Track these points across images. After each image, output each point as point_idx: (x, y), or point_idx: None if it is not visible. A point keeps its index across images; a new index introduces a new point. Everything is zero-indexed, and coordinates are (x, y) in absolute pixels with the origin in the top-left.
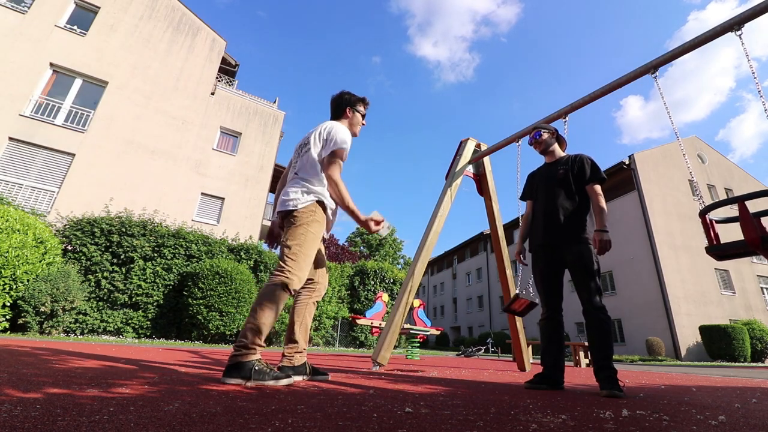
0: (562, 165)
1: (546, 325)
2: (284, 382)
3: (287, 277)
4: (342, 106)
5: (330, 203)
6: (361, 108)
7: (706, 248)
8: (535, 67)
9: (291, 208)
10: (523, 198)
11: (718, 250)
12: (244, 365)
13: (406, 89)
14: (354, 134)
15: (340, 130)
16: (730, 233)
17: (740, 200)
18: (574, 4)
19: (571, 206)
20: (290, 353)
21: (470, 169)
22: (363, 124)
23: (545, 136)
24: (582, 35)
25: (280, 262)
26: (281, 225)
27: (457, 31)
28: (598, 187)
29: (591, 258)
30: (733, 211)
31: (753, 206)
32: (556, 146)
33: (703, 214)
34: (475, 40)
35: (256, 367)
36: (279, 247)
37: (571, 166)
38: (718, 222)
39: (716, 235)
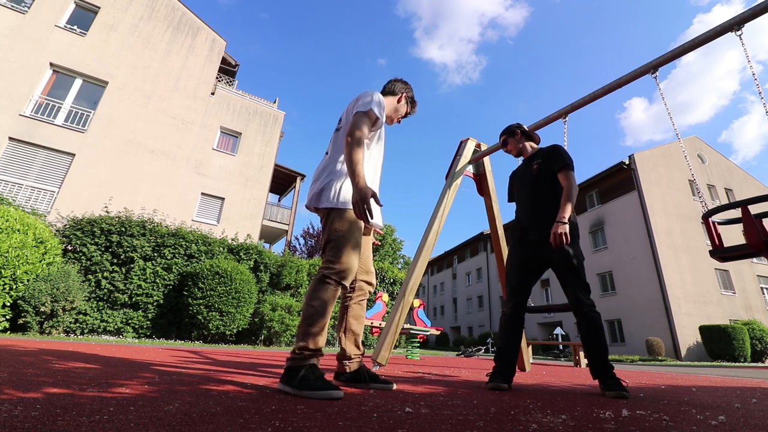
0: (535, 160)
1: (509, 321)
2: (320, 395)
3: (326, 266)
4: (394, 90)
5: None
6: (411, 105)
7: (710, 251)
8: (540, 68)
9: (325, 206)
10: (510, 200)
11: (722, 253)
12: (291, 371)
13: None
14: (390, 121)
15: (369, 93)
16: (730, 233)
17: (743, 204)
18: (581, 7)
19: (553, 201)
20: (343, 362)
21: (470, 169)
22: (399, 121)
23: (511, 144)
24: (587, 37)
25: (323, 257)
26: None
27: (464, 33)
28: (567, 173)
29: (579, 255)
30: (735, 212)
31: (752, 206)
32: (527, 144)
33: (706, 217)
34: (482, 43)
35: (302, 373)
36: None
37: (544, 159)
38: (720, 224)
39: (719, 237)
